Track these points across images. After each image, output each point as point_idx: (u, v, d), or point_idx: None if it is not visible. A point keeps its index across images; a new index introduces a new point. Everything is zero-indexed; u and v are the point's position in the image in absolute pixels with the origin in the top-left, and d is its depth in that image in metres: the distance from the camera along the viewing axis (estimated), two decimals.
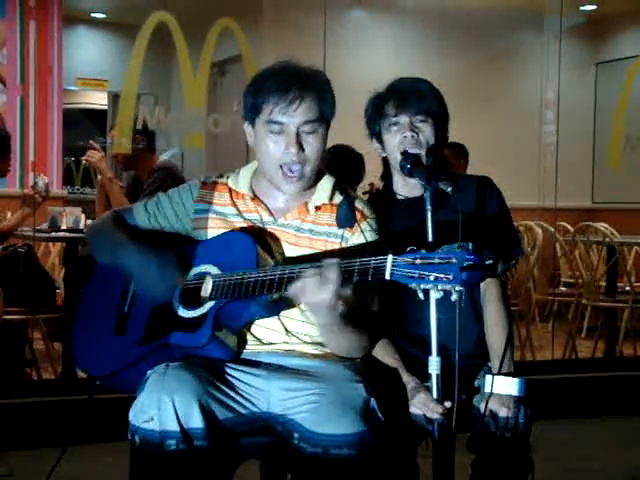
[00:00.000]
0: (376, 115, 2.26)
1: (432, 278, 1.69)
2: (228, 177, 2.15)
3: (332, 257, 1.85)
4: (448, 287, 1.69)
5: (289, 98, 1.97)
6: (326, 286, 1.79)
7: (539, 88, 7.19)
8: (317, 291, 1.80)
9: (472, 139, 5.22)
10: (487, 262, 1.72)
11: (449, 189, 1.96)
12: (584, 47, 8.25)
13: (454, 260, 1.68)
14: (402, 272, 1.73)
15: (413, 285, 1.72)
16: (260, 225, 2.06)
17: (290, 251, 2.04)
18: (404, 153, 2.16)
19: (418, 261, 1.71)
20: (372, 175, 2.41)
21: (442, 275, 1.68)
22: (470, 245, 1.69)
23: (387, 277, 1.74)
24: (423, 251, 1.72)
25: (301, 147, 1.99)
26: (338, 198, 2.09)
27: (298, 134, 1.99)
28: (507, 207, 2.30)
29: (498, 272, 2.18)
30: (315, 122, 2.01)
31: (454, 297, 1.70)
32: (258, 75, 2.08)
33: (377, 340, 2.13)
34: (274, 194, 2.09)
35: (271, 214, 2.07)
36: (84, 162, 4.60)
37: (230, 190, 2.12)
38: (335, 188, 2.10)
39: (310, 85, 2.01)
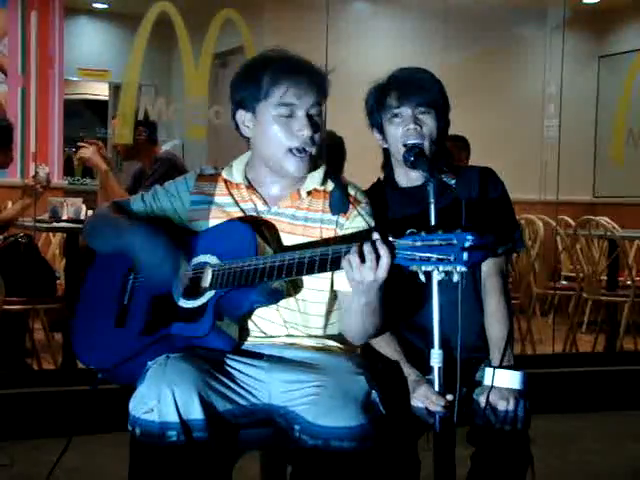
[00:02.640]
0: (377, 106, 2.24)
1: (433, 260, 1.68)
2: (222, 169, 2.16)
3: (328, 244, 1.84)
4: (449, 268, 1.68)
5: (302, 81, 1.99)
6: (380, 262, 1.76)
7: (541, 81, 7.18)
8: (370, 268, 1.77)
9: (474, 132, 5.20)
10: (487, 241, 1.70)
11: (452, 182, 1.95)
12: (587, 40, 8.23)
13: (454, 241, 1.66)
14: (402, 255, 1.72)
15: (414, 268, 1.71)
16: (254, 214, 2.06)
17: (286, 239, 2.04)
18: (406, 145, 2.15)
19: (418, 243, 1.70)
20: (373, 167, 2.39)
21: (443, 256, 1.67)
22: (471, 227, 1.68)
23: None
24: (423, 233, 1.71)
25: (313, 129, 2.00)
26: (330, 185, 2.09)
27: (309, 116, 2.00)
28: (509, 197, 2.29)
29: (498, 252, 2.18)
30: (320, 104, 2.03)
31: (455, 278, 1.69)
32: (254, 61, 2.07)
33: (383, 329, 2.12)
34: (269, 182, 2.09)
35: (265, 202, 2.07)
36: (76, 162, 4.59)
37: (225, 181, 2.13)
38: (326, 175, 2.10)
39: (313, 68, 2.04)
